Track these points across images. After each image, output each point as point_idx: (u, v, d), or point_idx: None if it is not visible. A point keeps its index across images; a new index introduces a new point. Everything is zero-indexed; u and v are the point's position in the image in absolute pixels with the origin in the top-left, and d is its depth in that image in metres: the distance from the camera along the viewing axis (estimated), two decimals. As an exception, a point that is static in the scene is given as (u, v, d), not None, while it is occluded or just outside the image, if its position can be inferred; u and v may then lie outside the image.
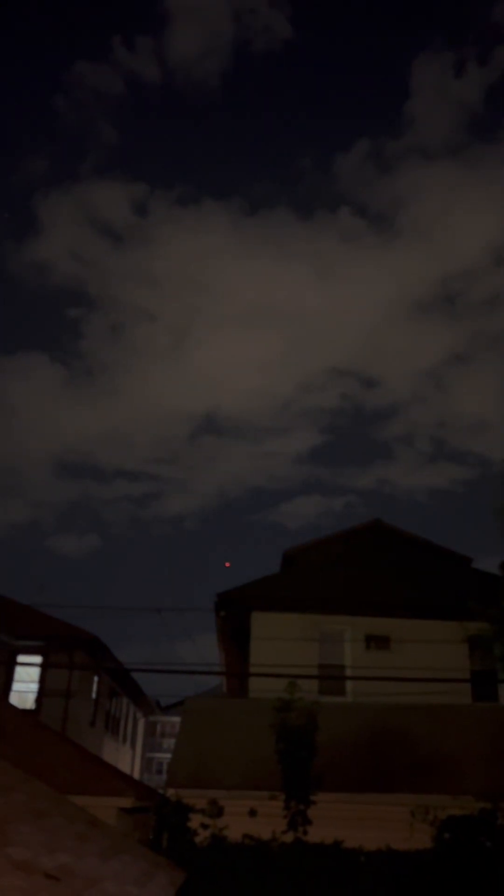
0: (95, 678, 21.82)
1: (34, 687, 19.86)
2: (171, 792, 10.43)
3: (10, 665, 19.89)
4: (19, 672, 20.27)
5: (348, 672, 15.28)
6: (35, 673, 20.06)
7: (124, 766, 25.51)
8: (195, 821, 10.00)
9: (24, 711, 16.57)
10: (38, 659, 20.20)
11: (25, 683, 20.10)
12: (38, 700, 19.48)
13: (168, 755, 19.91)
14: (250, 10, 56.11)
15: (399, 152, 58.94)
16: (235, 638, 16.84)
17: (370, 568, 16.40)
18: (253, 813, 10.01)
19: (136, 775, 27.75)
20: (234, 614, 16.09)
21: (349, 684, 15.07)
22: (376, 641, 15.51)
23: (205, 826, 9.96)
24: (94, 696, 21.77)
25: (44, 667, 19.89)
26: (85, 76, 57.37)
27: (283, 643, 14.53)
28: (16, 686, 19.99)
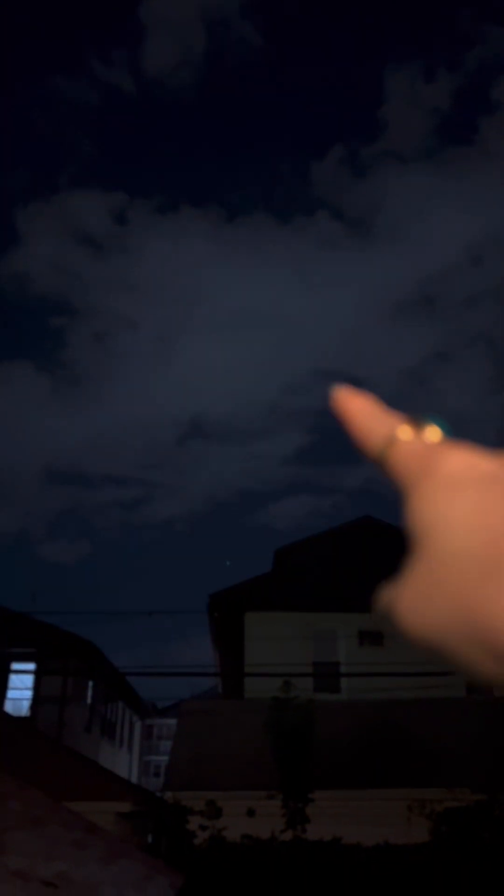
0: (90, 683, 21.76)
1: (28, 694, 19.78)
2: (168, 794, 10.43)
3: (4, 672, 19.79)
4: (13, 679, 20.19)
5: (342, 669, 15.33)
6: (29, 680, 19.97)
7: (121, 771, 25.45)
8: (193, 823, 10.00)
9: (19, 719, 16.49)
10: (31, 666, 20.12)
11: (19, 691, 20.02)
12: (33, 707, 19.39)
13: (165, 758, 19.89)
14: (223, 22, 56.39)
15: (373, 157, 59.44)
16: (229, 638, 16.84)
17: (361, 564, 16.42)
18: (251, 813, 10.02)
19: (134, 779, 27.69)
20: (228, 615, 16.10)
21: (344, 681, 15.12)
22: (369, 637, 15.56)
23: (203, 827, 9.96)
24: (89, 701, 21.71)
25: (38, 674, 19.81)
26: (62, 90, 57.45)
27: (277, 642, 14.55)
28: (10, 693, 19.91)
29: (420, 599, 0.37)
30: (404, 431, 0.42)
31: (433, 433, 0.42)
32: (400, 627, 0.37)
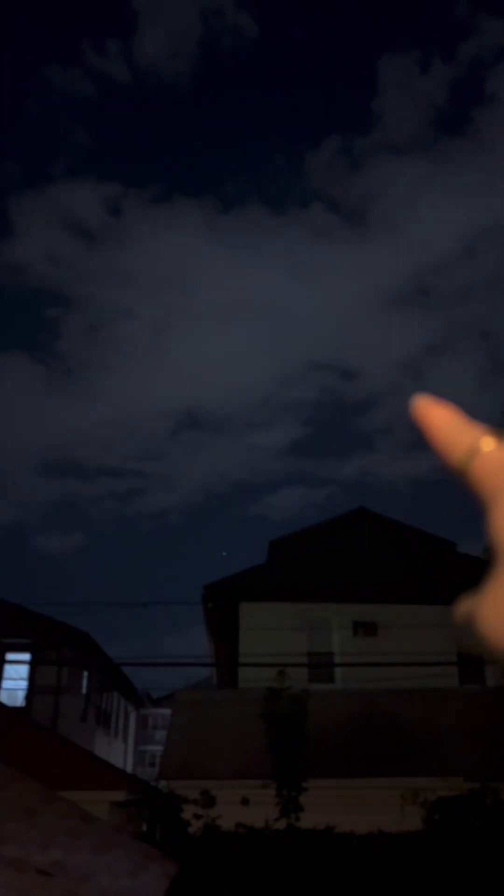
0: (85, 674, 21.81)
1: (23, 684, 19.82)
2: (163, 784, 10.48)
3: (-1, 663, 19.82)
4: (8, 670, 20.22)
5: (337, 659, 15.39)
6: (24, 670, 20.01)
7: (117, 760, 25.55)
8: (188, 811, 10.05)
9: (14, 709, 16.52)
10: (26, 656, 20.15)
11: (14, 681, 20.06)
12: (28, 697, 19.44)
13: (160, 747, 19.96)
14: (217, 11, 55.90)
15: (368, 149, 59.18)
16: (224, 629, 16.88)
17: (355, 555, 16.50)
18: (245, 802, 10.08)
19: (129, 769, 27.80)
20: (222, 605, 16.13)
21: (338, 671, 15.18)
22: (364, 628, 15.63)
23: (197, 816, 10.01)
24: (84, 691, 21.75)
25: (33, 664, 19.85)
26: (55, 79, 56.93)
27: (272, 632, 14.59)
28: (5, 684, 19.95)
29: (502, 613, 0.37)
30: (487, 443, 0.42)
31: None
32: (481, 641, 0.38)
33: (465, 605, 0.40)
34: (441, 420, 0.43)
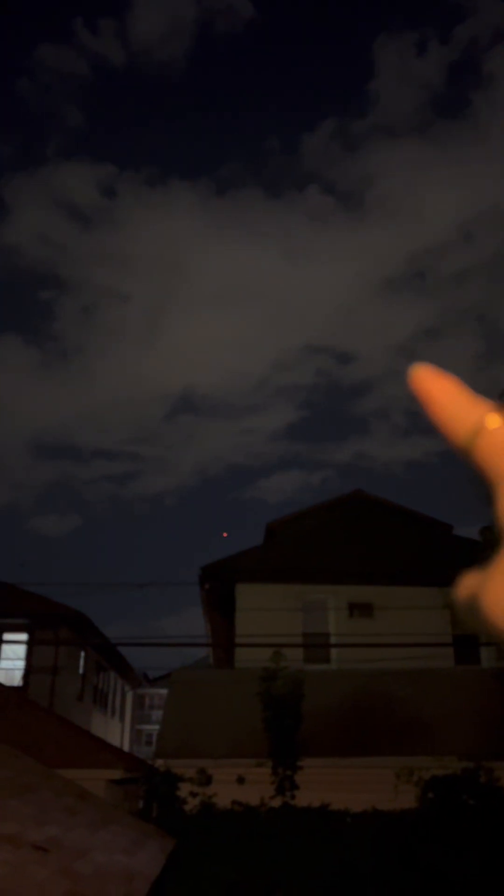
0: (82, 654, 21.93)
1: (21, 664, 19.92)
2: (159, 762, 10.57)
3: (-4, 643, 19.91)
4: (5, 650, 20.31)
5: (332, 640, 15.47)
6: (21, 650, 20.11)
7: (113, 739, 25.78)
8: (184, 789, 10.15)
9: (12, 689, 16.61)
10: (24, 636, 20.24)
11: (12, 661, 20.16)
12: (25, 677, 19.55)
13: (157, 727, 20.11)
14: (212, -9, 55.04)
15: (365, 131, 58.54)
16: (220, 610, 16.95)
17: (352, 537, 16.54)
18: (241, 780, 10.18)
19: (126, 747, 28.05)
20: (219, 586, 16.18)
21: (333, 652, 15.27)
22: (359, 609, 15.70)
23: (194, 794, 10.11)
24: (81, 671, 21.89)
25: (30, 644, 19.94)
26: (49, 59, 56.08)
27: (268, 613, 14.65)
28: (2, 664, 20.04)
29: None
30: (493, 419, 0.39)
31: None
32: (484, 621, 0.37)
33: (466, 584, 0.38)
34: (444, 394, 0.40)
